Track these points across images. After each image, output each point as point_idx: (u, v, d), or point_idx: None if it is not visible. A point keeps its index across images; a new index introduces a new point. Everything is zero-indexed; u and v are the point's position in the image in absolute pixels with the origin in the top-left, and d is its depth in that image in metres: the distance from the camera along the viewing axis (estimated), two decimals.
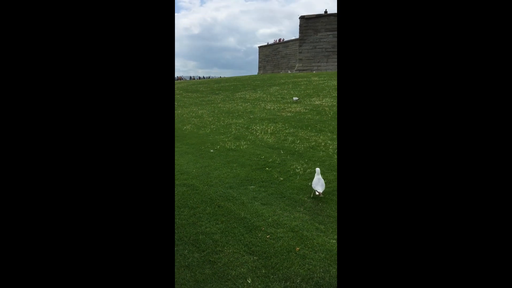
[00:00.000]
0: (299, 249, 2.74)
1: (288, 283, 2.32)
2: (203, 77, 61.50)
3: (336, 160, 5.06)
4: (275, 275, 2.42)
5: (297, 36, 34.77)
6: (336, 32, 31.28)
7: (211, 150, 6.04)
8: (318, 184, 3.69)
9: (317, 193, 3.71)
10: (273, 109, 10.49)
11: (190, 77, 60.14)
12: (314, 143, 6.16)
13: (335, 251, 2.70)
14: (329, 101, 10.92)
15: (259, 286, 2.31)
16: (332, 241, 2.86)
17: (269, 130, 7.50)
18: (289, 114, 9.41)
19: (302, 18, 32.63)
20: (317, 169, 3.83)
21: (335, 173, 4.52)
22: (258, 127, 7.83)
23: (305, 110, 9.76)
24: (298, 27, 32.88)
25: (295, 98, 11.63)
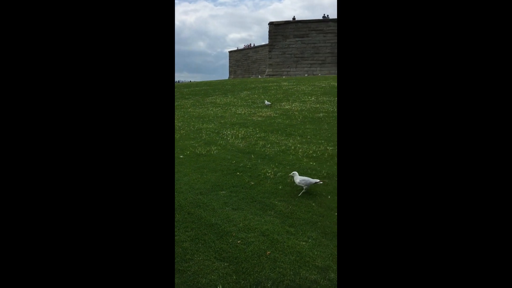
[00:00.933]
0: (269, 253, 2.76)
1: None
2: None
3: (305, 163, 5.17)
4: (246, 280, 2.41)
5: (266, 41, 35.30)
6: (304, 39, 32.23)
7: (181, 156, 5.91)
8: (303, 182, 3.95)
9: (304, 188, 3.97)
10: (244, 113, 10.52)
11: None
12: (284, 147, 6.26)
13: (305, 253, 2.75)
14: (298, 106, 11.17)
15: None
16: (302, 243, 2.91)
17: (240, 134, 7.50)
18: (259, 118, 9.48)
19: (271, 24, 33.23)
20: (295, 173, 4.06)
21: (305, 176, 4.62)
22: (229, 132, 7.80)
23: (275, 114, 9.90)
24: (268, 33, 33.44)
25: (267, 103, 11.74)
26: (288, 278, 2.41)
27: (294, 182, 4.01)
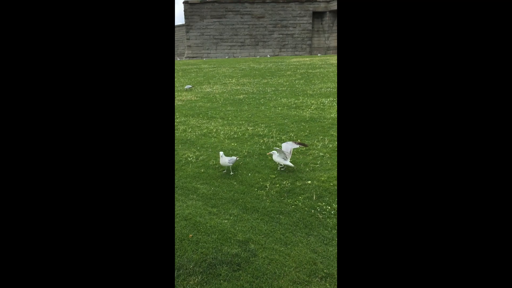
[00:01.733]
0: (191, 236, 2.76)
1: (181, 271, 2.32)
2: None
3: (227, 145, 5.24)
4: None
5: (183, 21, 33.57)
6: (221, 20, 31.70)
7: None
8: (281, 156, 4.00)
9: (282, 164, 4.07)
10: None
11: None
12: (205, 130, 6.20)
13: (227, 230, 2.84)
14: (219, 88, 11.11)
15: None
16: (225, 221, 2.99)
17: None
18: (179, 103, 9.14)
19: (186, 3, 31.60)
20: (274, 151, 4.04)
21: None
22: None
23: (196, 98, 9.67)
24: (183, 12, 31.78)
25: (187, 86, 11.32)
26: (211, 256, 2.47)
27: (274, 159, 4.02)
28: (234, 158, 4.11)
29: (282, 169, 4.09)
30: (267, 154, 4.48)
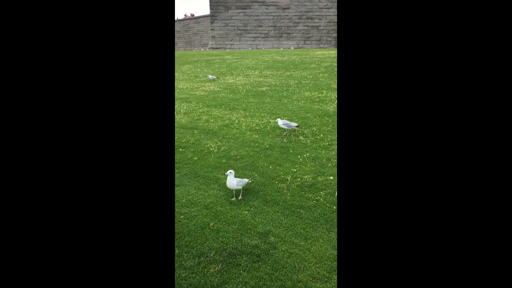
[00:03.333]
0: (213, 225, 2.80)
1: (202, 258, 2.36)
2: None
3: (248, 136, 5.24)
4: (188, 253, 2.43)
5: (208, 12, 33.65)
6: (246, 10, 31.45)
7: None
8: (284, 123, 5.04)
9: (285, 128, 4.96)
10: (186, 88, 10.11)
11: None
12: (227, 121, 6.23)
13: (247, 221, 2.86)
14: (242, 80, 11.09)
15: None
16: (245, 212, 3.01)
17: (182, 110, 7.23)
18: (202, 93, 9.22)
19: None
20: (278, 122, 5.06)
21: (248, 149, 4.70)
22: None
23: (219, 88, 9.71)
24: (209, 2, 31.80)
25: (211, 77, 11.38)
26: (231, 246, 2.50)
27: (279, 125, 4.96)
28: (245, 180, 3.31)
29: (284, 134, 4.97)
30: (272, 121, 5.51)
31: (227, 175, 3.28)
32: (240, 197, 3.29)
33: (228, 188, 3.37)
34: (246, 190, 3.43)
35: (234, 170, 3.78)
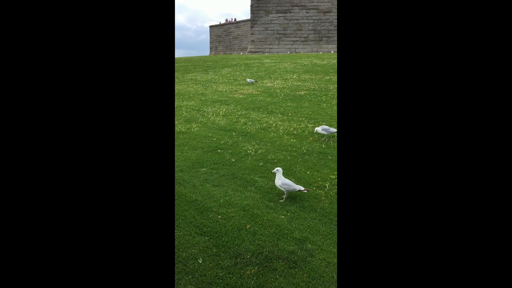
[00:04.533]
0: (249, 227, 2.82)
1: (238, 259, 2.39)
2: None
3: (286, 141, 5.22)
4: (226, 253, 2.47)
5: (248, 16, 34.25)
6: (286, 14, 31.48)
7: None
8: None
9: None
10: (225, 91, 10.34)
11: None
12: (265, 124, 6.26)
13: (284, 225, 2.83)
14: (280, 83, 11.10)
15: (210, 265, 2.34)
16: (281, 217, 2.99)
17: (221, 112, 7.41)
18: (241, 96, 9.37)
19: None
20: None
21: (285, 153, 4.68)
22: (209, 109, 7.69)
23: (257, 92, 9.81)
24: (250, 7, 32.36)
25: (250, 80, 11.55)
26: (267, 249, 2.50)
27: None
28: (292, 186, 3.15)
29: (323, 139, 4.68)
30: (311, 128, 5.14)
31: (274, 173, 3.25)
32: (282, 200, 3.27)
33: (276, 186, 3.31)
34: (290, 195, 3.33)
35: (270, 173, 3.77)
